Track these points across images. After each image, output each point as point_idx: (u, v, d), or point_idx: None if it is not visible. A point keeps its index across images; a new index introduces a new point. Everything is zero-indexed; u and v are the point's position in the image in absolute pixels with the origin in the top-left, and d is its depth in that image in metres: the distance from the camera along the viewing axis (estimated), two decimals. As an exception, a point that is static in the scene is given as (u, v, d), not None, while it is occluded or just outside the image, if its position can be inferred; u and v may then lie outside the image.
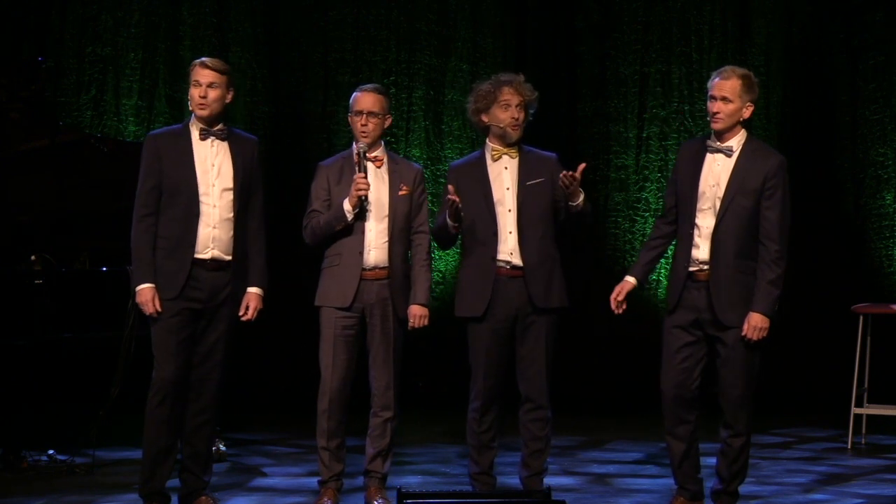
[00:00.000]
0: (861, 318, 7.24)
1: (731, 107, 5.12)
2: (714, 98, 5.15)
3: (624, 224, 9.15)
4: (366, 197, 5.33)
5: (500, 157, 5.47)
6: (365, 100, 5.43)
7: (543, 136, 8.40)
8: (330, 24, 9.14)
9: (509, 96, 5.41)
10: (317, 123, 9.12)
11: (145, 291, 5.19)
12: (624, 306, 5.35)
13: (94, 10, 8.70)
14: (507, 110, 5.40)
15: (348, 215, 5.34)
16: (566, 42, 9.34)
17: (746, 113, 5.16)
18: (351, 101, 5.50)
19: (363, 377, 5.51)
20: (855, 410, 7.23)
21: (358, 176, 5.33)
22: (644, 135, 9.18)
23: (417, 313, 5.45)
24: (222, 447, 6.57)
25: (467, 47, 9.19)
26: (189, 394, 5.34)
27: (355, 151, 5.40)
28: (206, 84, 5.21)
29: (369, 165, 5.42)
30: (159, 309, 5.18)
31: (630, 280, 5.36)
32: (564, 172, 5.25)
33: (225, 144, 5.28)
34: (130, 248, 5.24)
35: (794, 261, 8.60)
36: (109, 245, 6.30)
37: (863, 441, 7.35)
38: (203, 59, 5.30)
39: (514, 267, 5.41)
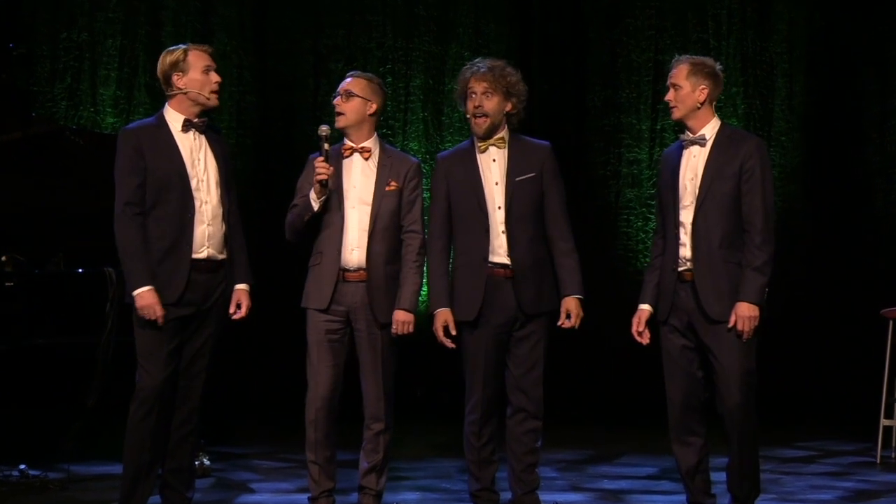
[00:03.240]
0: (891, 322, 7.08)
1: (681, 92, 5.19)
2: (667, 89, 5.26)
3: (637, 222, 9.12)
4: (326, 182, 5.21)
5: (486, 149, 5.40)
6: (344, 82, 5.43)
7: (550, 127, 8.54)
8: (322, 8, 9.16)
9: (473, 84, 5.36)
10: (307, 114, 9.06)
11: (146, 295, 4.96)
12: (647, 335, 5.32)
13: (68, -8, 8.82)
14: (471, 100, 5.36)
15: (314, 203, 5.25)
16: (575, 28, 9.32)
17: (701, 96, 5.18)
18: None
19: (357, 387, 5.45)
20: (884, 422, 7.10)
21: (317, 160, 5.23)
22: (658, 127, 9.17)
23: (401, 319, 5.33)
24: (206, 462, 6.43)
25: (469, 33, 9.19)
26: (172, 403, 5.25)
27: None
28: (215, 69, 5.14)
29: (356, 157, 5.37)
30: (162, 313, 4.98)
31: (645, 308, 5.35)
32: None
33: (203, 137, 5.19)
34: (119, 248, 5.03)
35: (819, 263, 8.86)
36: (86, 245, 6.18)
37: (893, 455, 7.14)
38: (205, 46, 5.21)
39: (506, 268, 5.34)
